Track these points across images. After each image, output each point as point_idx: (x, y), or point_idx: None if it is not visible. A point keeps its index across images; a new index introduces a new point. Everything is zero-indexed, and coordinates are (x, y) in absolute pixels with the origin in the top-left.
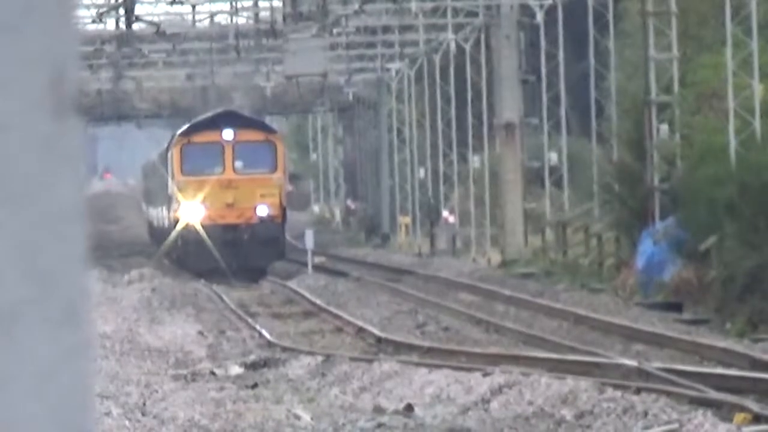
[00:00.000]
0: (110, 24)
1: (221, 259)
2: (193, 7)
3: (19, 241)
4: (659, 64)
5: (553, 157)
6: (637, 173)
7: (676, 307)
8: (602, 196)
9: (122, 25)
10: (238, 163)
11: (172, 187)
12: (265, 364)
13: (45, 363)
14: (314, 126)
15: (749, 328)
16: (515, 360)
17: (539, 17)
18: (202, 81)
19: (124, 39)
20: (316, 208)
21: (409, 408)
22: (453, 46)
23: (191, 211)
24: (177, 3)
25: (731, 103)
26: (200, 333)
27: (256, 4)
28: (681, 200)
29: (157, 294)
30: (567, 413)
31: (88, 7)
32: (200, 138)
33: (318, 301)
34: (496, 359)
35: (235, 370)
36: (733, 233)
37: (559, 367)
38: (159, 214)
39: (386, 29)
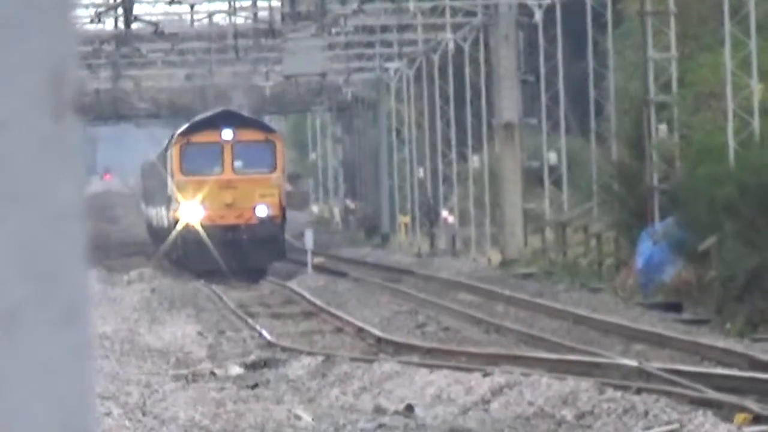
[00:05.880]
0: (109, 24)
1: (221, 260)
2: (192, 6)
3: (19, 240)
4: (658, 64)
5: (553, 156)
6: (637, 173)
7: (676, 307)
8: (601, 196)
9: (121, 25)
10: (238, 163)
11: (171, 187)
12: (265, 364)
13: (45, 363)
14: (313, 125)
15: (749, 328)
16: (515, 360)
17: (538, 17)
18: (201, 81)
19: (122, 39)
20: (315, 208)
21: (410, 408)
22: (452, 45)
23: (191, 211)
24: (175, 3)
25: (730, 103)
26: (200, 333)
27: (254, 3)
28: (680, 200)
29: (157, 294)
30: (567, 413)
31: (86, 6)
32: (199, 138)
33: (318, 302)
34: (496, 359)
35: (236, 370)
36: (732, 233)
37: (560, 368)
38: (158, 214)
39: (385, 29)
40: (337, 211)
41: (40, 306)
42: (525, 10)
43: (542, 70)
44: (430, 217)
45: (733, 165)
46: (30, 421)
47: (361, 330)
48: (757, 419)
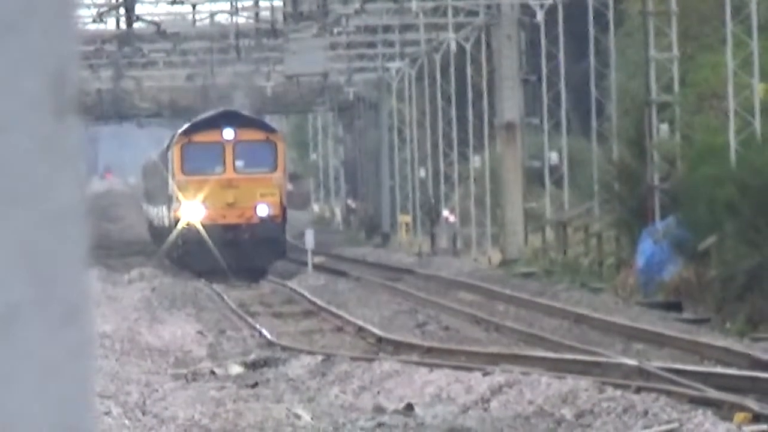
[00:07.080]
0: (111, 23)
1: (221, 259)
2: (194, 6)
3: (20, 241)
4: (659, 64)
5: (554, 156)
6: (638, 173)
7: (676, 307)
8: (602, 196)
9: (123, 25)
10: (239, 163)
11: (172, 187)
12: (265, 363)
13: (45, 363)
14: (314, 125)
15: (749, 327)
16: (515, 359)
17: (540, 17)
18: (203, 80)
19: (124, 38)
20: (316, 208)
21: (410, 407)
22: (453, 45)
23: (192, 210)
24: (177, 2)
25: (731, 103)
26: (200, 332)
27: (256, 3)
28: (681, 200)
29: (158, 293)
30: (567, 413)
31: (88, 6)
32: (201, 137)
33: (318, 301)
34: (496, 358)
35: (236, 369)
36: (732, 232)
37: (559, 367)
38: (159, 214)
39: (387, 28)
40: (338, 211)
41: (40, 306)
42: (527, 10)
43: (544, 70)
44: (431, 216)
45: (734, 165)
46: (30, 421)
47: (361, 329)
48: (757, 418)
